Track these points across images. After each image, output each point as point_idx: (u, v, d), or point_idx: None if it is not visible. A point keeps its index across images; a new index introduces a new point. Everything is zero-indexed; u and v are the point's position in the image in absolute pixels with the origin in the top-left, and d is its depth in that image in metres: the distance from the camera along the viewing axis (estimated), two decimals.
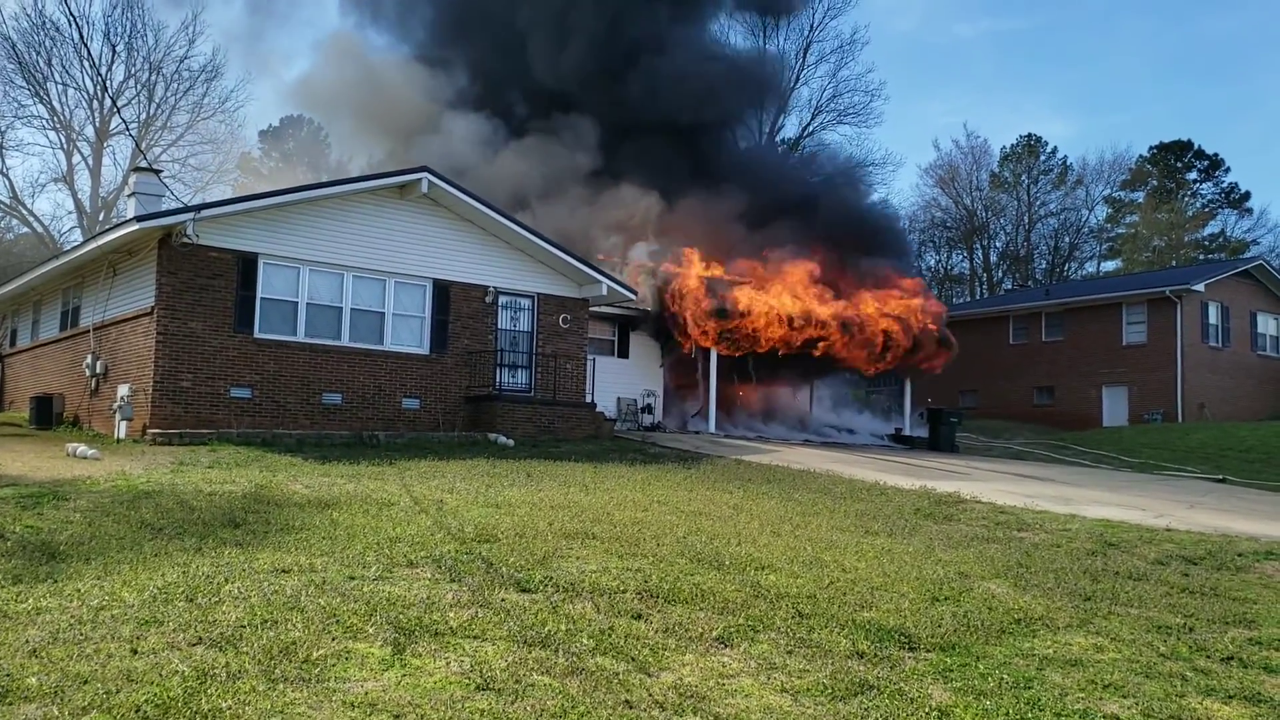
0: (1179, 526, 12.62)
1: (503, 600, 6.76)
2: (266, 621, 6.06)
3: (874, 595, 7.60)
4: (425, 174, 20.59)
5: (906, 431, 30.82)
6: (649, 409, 26.89)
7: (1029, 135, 69.44)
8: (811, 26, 52.54)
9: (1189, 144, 69.50)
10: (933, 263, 69.54)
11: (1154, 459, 26.14)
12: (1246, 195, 68.18)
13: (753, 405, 30.52)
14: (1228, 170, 69.16)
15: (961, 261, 70.93)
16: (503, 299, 22.22)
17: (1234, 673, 6.37)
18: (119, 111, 42.90)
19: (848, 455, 22.36)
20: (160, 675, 5.11)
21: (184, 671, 5.16)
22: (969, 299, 64.76)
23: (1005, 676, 5.90)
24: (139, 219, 17.86)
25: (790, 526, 10.75)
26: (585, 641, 5.93)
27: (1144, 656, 6.52)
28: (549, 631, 6.06)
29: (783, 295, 27.31)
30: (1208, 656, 6.65)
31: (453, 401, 21.15)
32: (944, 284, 69.17)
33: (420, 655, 5.61)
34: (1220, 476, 21.70)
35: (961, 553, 9.85)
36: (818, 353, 27.32)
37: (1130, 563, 9.80)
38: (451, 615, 6.32)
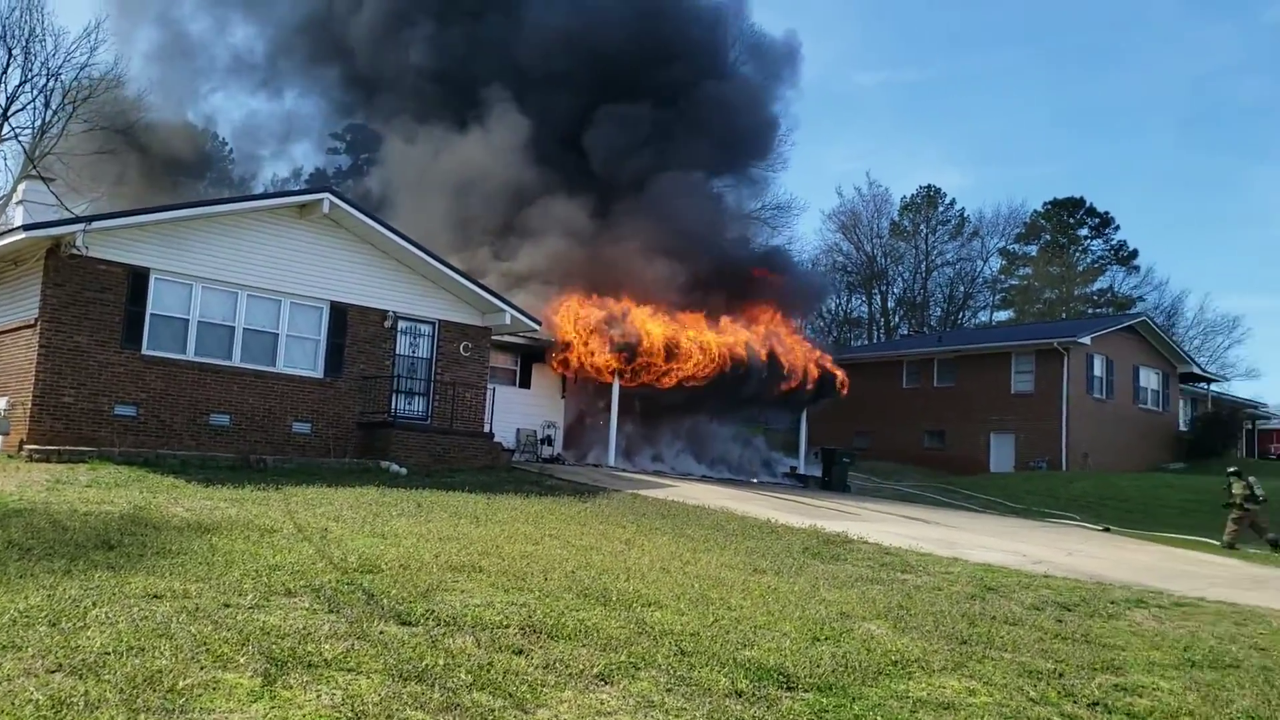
0: (1057, 573, 12.99)
1: (381, 632, 6.64)
2: (133, 649, 5.85)
3: (756, 634, 7.65)
4: (327, 194, 20.32)
5: (801, 470, 31.23)
6: (549, 440, 26.78)
7: (928, 186, 71.69)
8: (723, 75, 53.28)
9: (1081, 201, 72.30)
10: (833, 306, 70.93)
11: (1038, 505, 26.93)
12: (1134, 253, 71.17)
13: (654, 439, 30.59)
14: (1117, 228, 72.17)
15: (861, 306, 72.56)
16: (402, 324, 21.96)
17: (1099, 718, 6.54)
18: (8, 119, 41.40)
19: (743, 492, 22.55)
20: (13, 704, 4.89)
21: (39, 700, 4.95)
22: (866, 342, 66.12)
23: (879, 717, 5.99)
24: (26, 228, 17.29)
25: (680, 563, 10.78)
26: (463, 676, 5.85)
27: (1014, 701, 6.66)
28: (426, 665, 5.96)
29: (687, 330, 27.56)
30: (1075, 702, 6.82)
31: (345, 427, 20.79)
32: (843, 327, 70.56)
33: (291, 687, 5.47)
34: (1103, 526, 22.42)
35: (845, 593, 9.99)
36: (708, 387, 27.57)
37: (1007, 607, 10.04)
38: (327, 647, 6.18)
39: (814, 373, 30.16)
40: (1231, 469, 21.97)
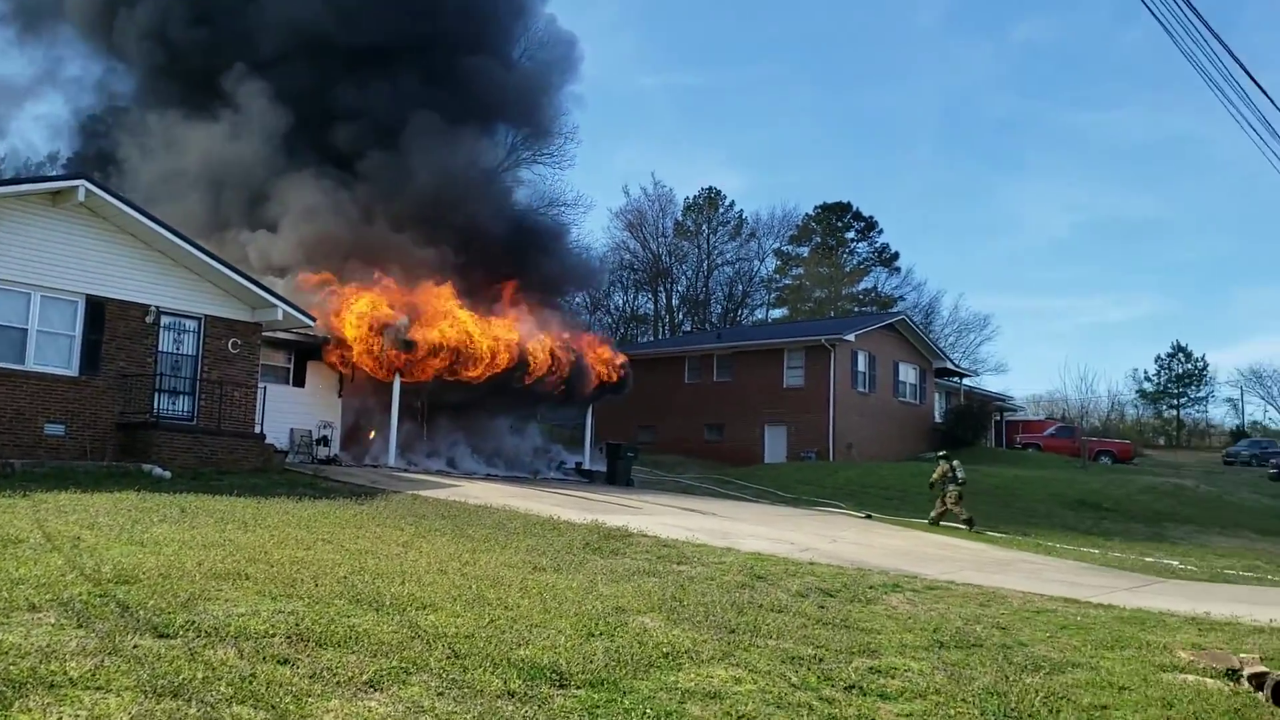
0: (821, 560, 13.63)
1: (135, 647, 6.29)
2: None
3: (532, 632, 7.68)
4: (83, 182, 19.07)
5: (587, 465, 31.53)
6: (325, 441, 25.99)
7: (710, 188, 73.69)
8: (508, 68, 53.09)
9: (848, 205, 76.05)
10: (620, 303, 71.93)
11: (807, 494, 28.14)
12: (896, 255, 75.48)
13: (437, 437, 30.19)
14: (880, 231, 76.36)
15: (647, 303, 73.88)
16: (166, 319, 20.85)
17: (854, 700, 6.89)
18: None
19: (527, 489, 22.56)
20: None
21: None
22: (652, 339, 67.35)
23: (648, 711, 6.13)
24: None
25: (459, 564, 10.69)
26: (223, 689, 5.62)
27: (777, 687, 6.94)
28: (183, 680, 5.69)
29: (469, 325, 27.30)
30: (833, 685, 7.16)
31: (104, 429, 19.56)
32: (630, 324, 71.64)
33: (30, 710, 5.12)
34: (866, 513, 23.66)
35: (622, 587, 10.16)
36: (493, 383, 27.44)
37: (774, 595, 10.46)
38: (72, 665, 5.81)
39: (600, 368, 30.50)
40: (941, 452, 23.99)
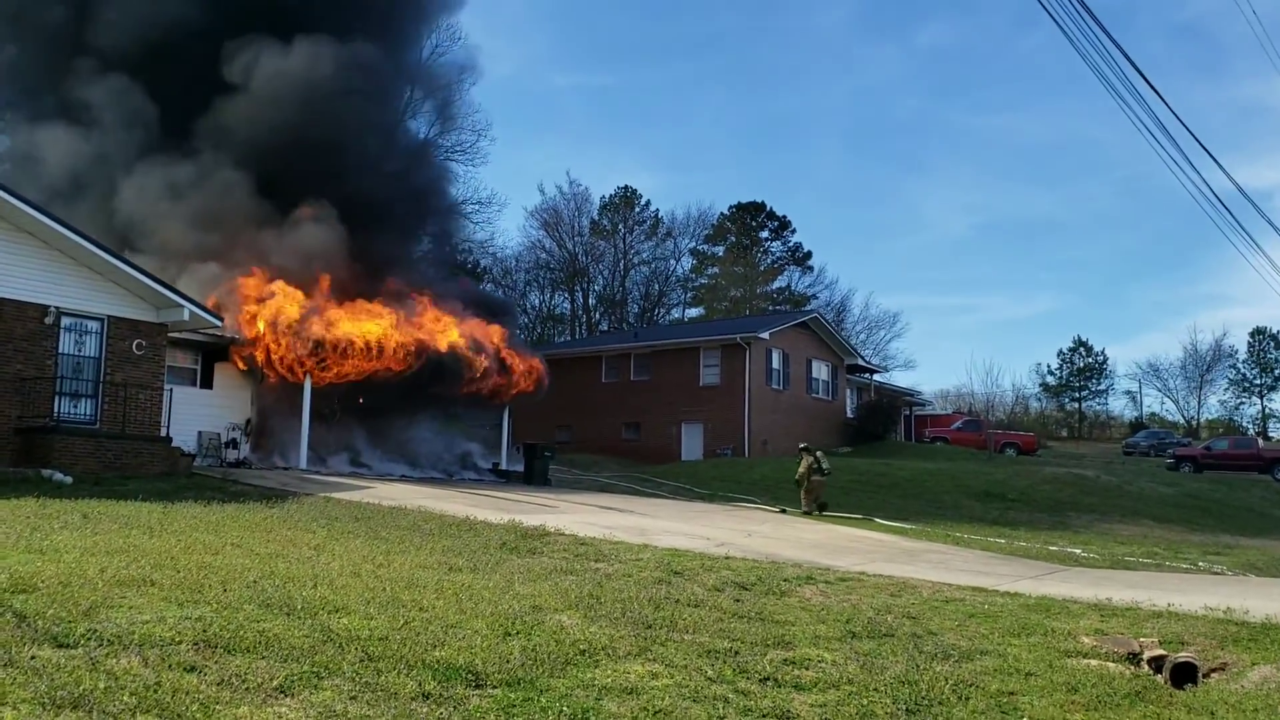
0: (737, 555, 13.75)
1: (33, 658, 6.08)
2: None
3: (447, 633, 7.61)
4: None
5: (504, 466, 31.36)
6: (234, 444, 25.44)
7: (625, 187, 73.79)
8: (419, 63, 52.52)
9: (762, 205, 76.78)
10: (537, 302, 71.68)
11: (723, 490, 28.38)
12: (809, 254, 76.44)
13: (351, 439, 29.72)
14: (794, 231, 77.25)
15: (563, 302, 73.75)
16: (67, 320, 20.22)
17: (769, 692, 6.98)
18: None
19: (443, 490, 22.36)
20: None
21: None
22: (569, 338, 67.24)
23: (564, 708, 6.12)
24: None
25: (372, 566, 10.55)
26: (126, 699, 5.46)
27: (693, 681, 6.99)
28: (84, 690, 5.52)
29: (383, 325, 26.93)
30: (748, 678, 7.24)
31: (1, 434, 18.89)
32: (546, 323, 71.43)
33: None
34: (780, 508, 23.93)
35: (539, 586, 10.12)
36: (407, 383, 27.11)
37: (691, 590, 10.51)
38: None
39: (517, 368, 30.33)
40: (802, 445, 24.55)
